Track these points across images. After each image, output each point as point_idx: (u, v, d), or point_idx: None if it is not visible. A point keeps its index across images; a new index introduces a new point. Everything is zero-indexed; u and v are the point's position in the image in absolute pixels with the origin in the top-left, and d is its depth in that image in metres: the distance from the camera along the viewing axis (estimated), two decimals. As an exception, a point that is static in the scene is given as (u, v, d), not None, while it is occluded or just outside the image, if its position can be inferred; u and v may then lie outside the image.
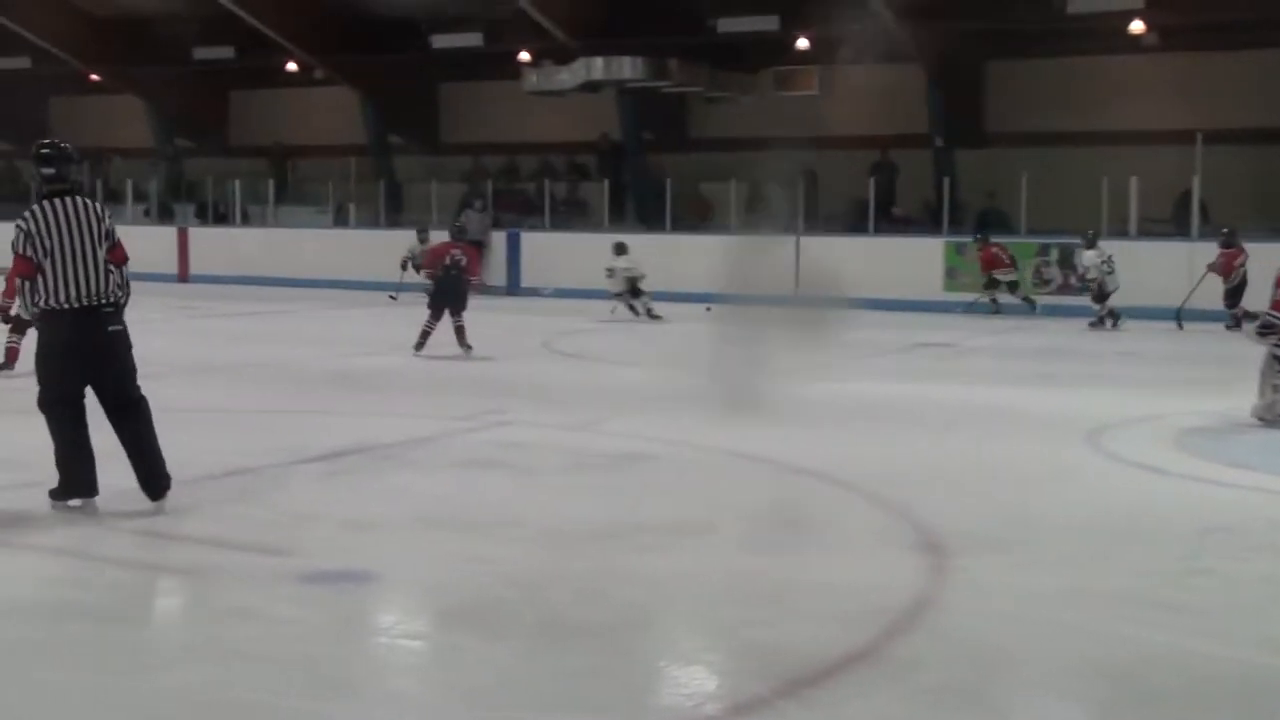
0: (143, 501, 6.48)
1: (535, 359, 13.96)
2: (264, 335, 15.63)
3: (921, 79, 22.97)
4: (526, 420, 9.54)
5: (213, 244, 26.30)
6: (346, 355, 13.88)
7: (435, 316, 13.56)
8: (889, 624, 4.93)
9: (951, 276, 20.48)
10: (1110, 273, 17.57)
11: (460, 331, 13.56)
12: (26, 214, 6.46)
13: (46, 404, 6.50)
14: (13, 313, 10.97)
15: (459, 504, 6.95)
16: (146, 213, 28.67)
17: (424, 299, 14.25)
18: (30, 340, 8.05)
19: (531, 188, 26.20)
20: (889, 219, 22.22)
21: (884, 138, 23.45)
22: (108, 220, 6.59)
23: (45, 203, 6.47)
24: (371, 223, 25.93)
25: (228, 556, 5.82)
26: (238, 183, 27.30)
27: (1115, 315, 17.37)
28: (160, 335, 15.28)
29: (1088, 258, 17.74)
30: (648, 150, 25.92)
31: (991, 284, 19.24)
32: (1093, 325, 17.41)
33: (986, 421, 9.87)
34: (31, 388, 6.58)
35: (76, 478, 6.47)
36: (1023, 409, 10.35)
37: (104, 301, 6.47)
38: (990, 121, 23.77)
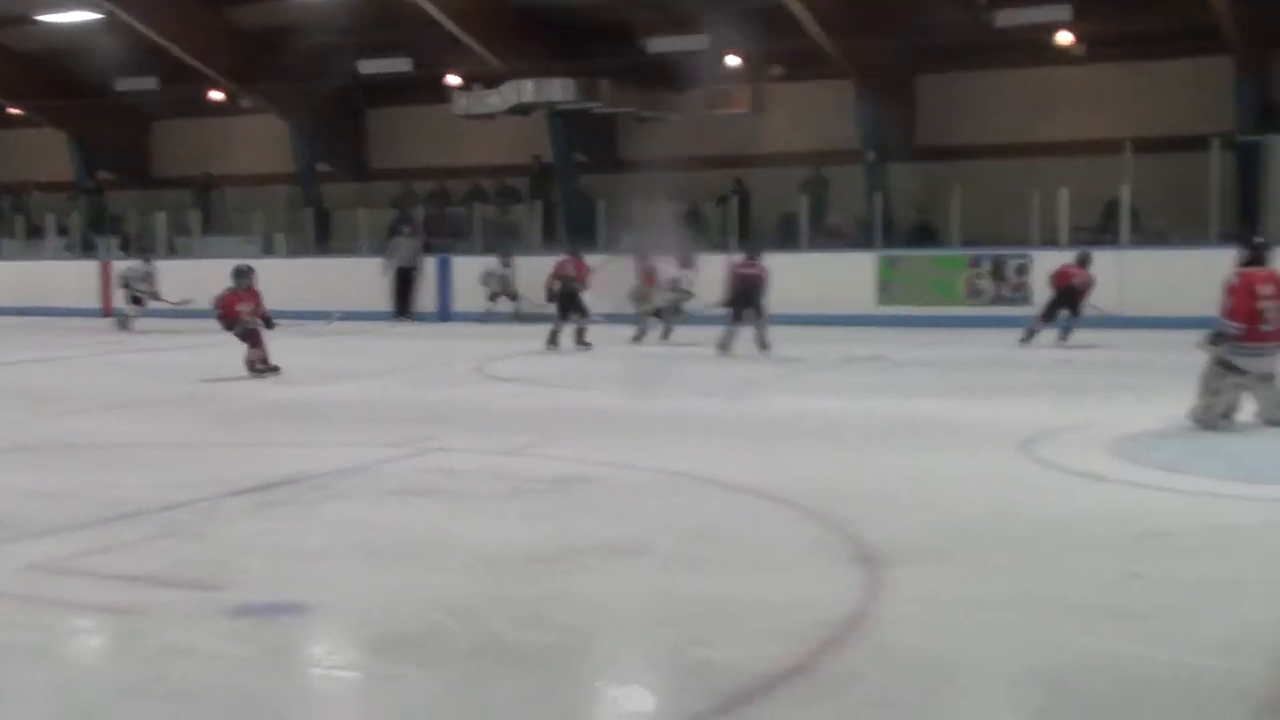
0: (72, 541, 6.42)
1: (469, 384, 13.95)
2: (190, 368, 15.51)
3: (852, 94, 23.20)
4: (461, 446, 9.53)
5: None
6: (277, 385, 13.81)
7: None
8: (826, 639, 4.97)
9: (885, 290, 20.67)
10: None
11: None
12: None
13: None
14: None
15: (393, 532, 6.92)
16: (68, 247, 28.43)
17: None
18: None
19: (462, 211, 26.21)
20: (824, 231, 22.40)
21: (815, 153, 23.68)
22: None
23: None
24: (300, 251, 25.84)
25: (161, 593, 5.77)
26: (163, 215, 27.11)
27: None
28: (85, 370, 15.17)
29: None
30: (579, 171, 26.00)
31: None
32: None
33: (921, 433, 9.96)
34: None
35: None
36: (957, 420, 10.46)
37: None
38: (921, 135, 24.05)
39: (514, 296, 22.60)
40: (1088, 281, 17.07)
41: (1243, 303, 9.75)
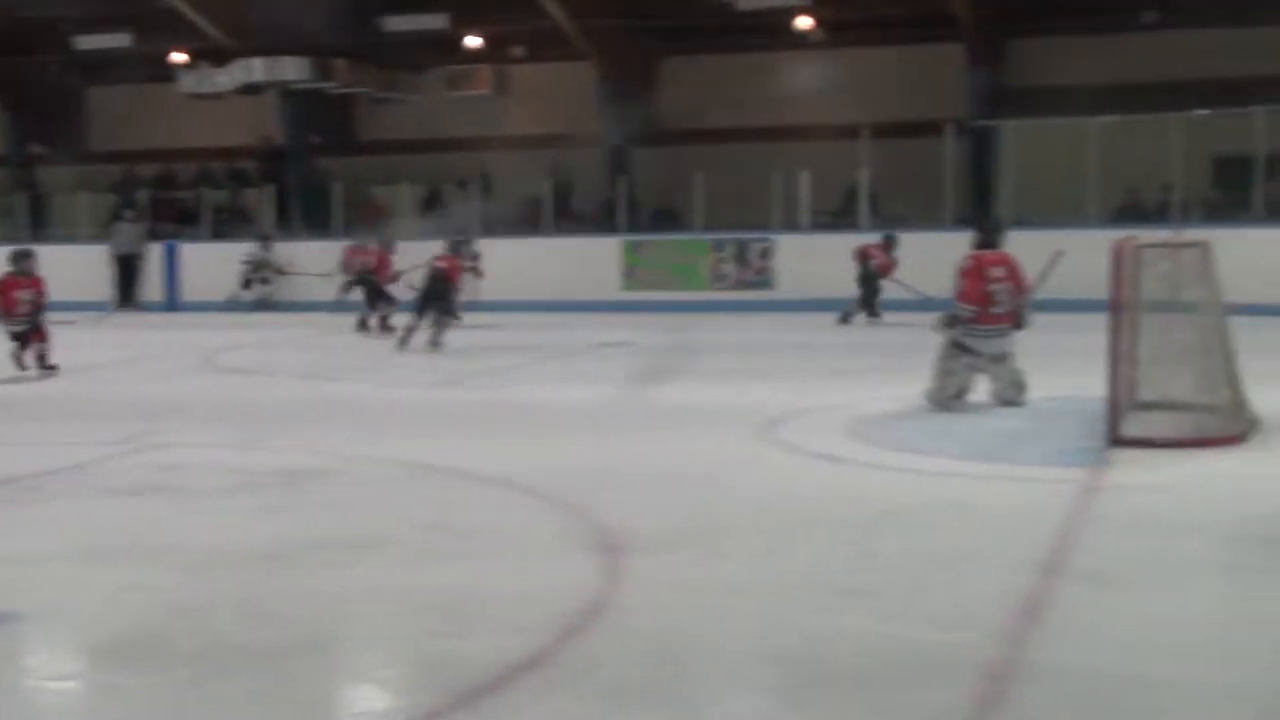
0: None
1: (197, 376, 13.63)
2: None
3: (594, 77, 23.36)
4: (186, 441, 9.30)
5: None
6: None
7: None
8: (566, 627, 5.02)
9: (629, 276, 20.90)
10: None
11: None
12: None
13: None
14: None
15: (113, 533, 6.72)
16: None
17: None
18: None
19: (189, 196, 25.49)
20: (568, 218, 22.51)
21: (559, 137, 23.77)
22: None
23: None
24: (13, 238, 24.75)
25: None
26: None
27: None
28: None
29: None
30: (314, 154, 25.58)
31: None
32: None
33: (665, 419, 10.13)
34: None
35: None
36: (701, 405, 10.66)
37: None
38: (665, 119, 24.36)
39: (266, 281, 22.11)
40: (886, 265, 17.56)
41: (974, 285, 10.13)
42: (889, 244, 17.73)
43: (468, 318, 16.41)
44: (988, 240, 10.51)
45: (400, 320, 16.00)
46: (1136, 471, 7.75)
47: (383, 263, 17.68)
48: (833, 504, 7.13)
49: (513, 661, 4.67)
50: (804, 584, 5.64)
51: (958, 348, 10.12)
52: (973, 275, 10.17)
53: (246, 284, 22.29)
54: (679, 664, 4.73)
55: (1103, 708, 4.30)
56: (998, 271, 10.22)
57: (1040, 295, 10.41)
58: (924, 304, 15.27)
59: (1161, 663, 4.62)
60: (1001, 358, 10.23)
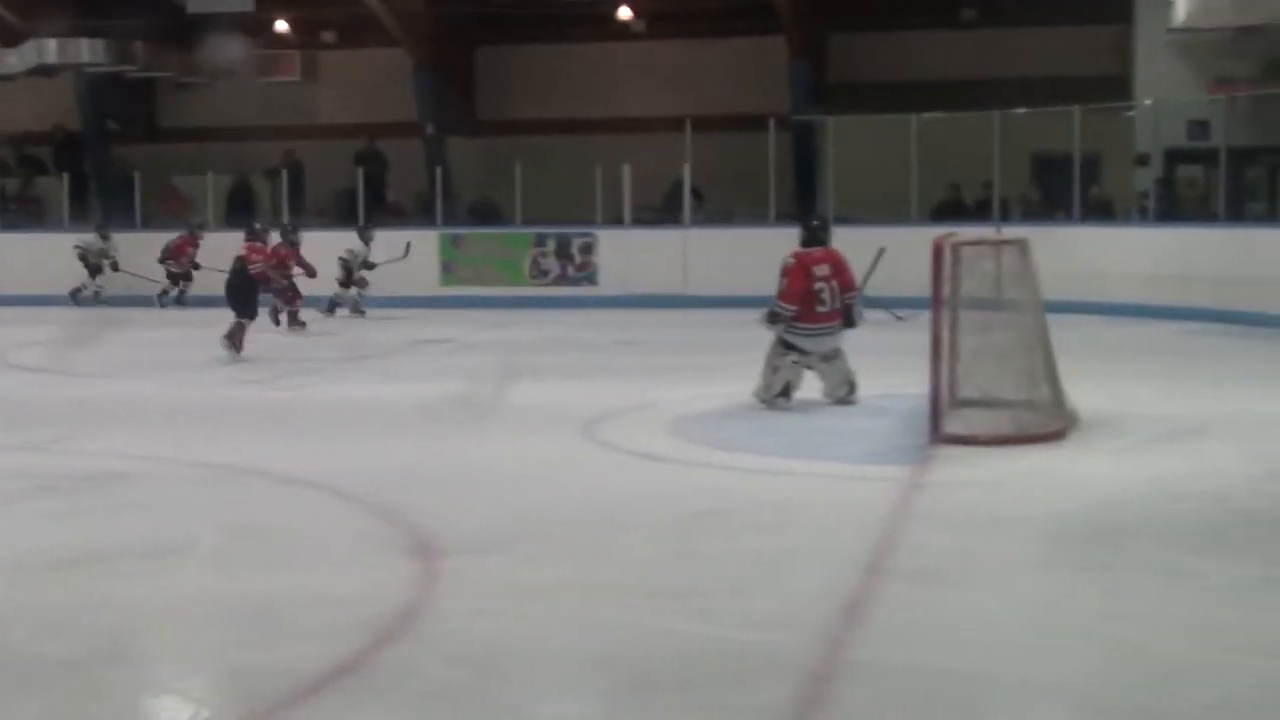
0: None
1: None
2: None
3: (409, 65, 23.18)
4: (-23, 443, 9.05)
5: None
6: None
7: None
8: (379, 633, 5.01)
9: (448, 271, 20.80)
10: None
11: None
12: None
13: None
14: None
15: (-105, 543, 6.51)
16: None
17: None
18: None
19: (-21, 185, 24.71)
20: (382, 209, 22.28)
21: (372, 126, 23.53)
22: None
23: None
24: None
25: None
26: None
27: None
28: None
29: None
30: (113, 140, 24.96)
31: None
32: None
33: (486, 418, 10.10)
34: None
35: None
36: (521, 403, 10.63)
37: None
38: (483, 109, 24.28)
39: (96, 272, 21.28)
40: None
41: (796, 284, 10.23)
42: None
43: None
44: (813, 238, 10.61)
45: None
46: (958, 469, 7.98)
47: (280, 259, 16.71)
48: (654, 503, 7.21)
49: (323, 670, 4.65)
50: (624, 586, 5.70)
51: (786, 346, 10.23)
52: (795, 274, 10.26)
53: (93, 274, 21.34)
54: (496, 670, 4.75)
55: (922, 704, 4.43)
56: (823, 270, 10.33)
57: (868, 293, 10.60)
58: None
59: (980, 659, 4.77)
60: (832, 356, 10.35)
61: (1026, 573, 5.95)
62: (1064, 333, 9.76)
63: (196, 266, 19.99)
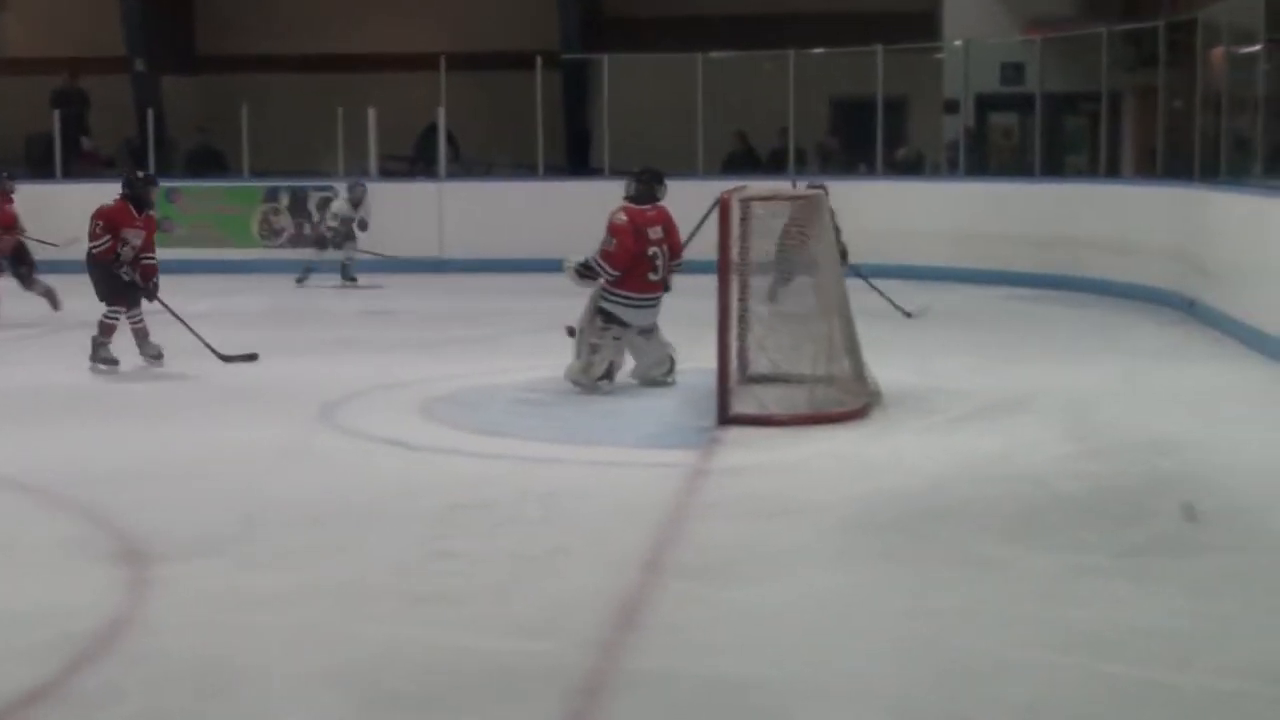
0: None
1: None
2: None
3: (116, -9, 22.65)
4: None
5: None
6: None
7: None
8: (79, 652, 4.90)
9: (162, 230, 20.31)
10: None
11: None
12: None
13: None
14: None
15: None
16: None
17: None
18: None
19: None
20: (81, 156, 21.68)
21: (71, 60, 22.89)
22: None
23: None
24: None
25: None
26: None
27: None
28: None
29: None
30: None
31: None
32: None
33: (203, 402, 9.97)
34: None
35: None
36: (245, 384, 10.51)
37: None
38: (203, 43, 23.84)
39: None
40: None
41: (627, 246, 9.82)
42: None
43: None
44: (645, 193, 10.14)
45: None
46: (748, 452, 8.11)
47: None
48: (403, 497, 7.18)
49: (13, 695, 4.54)
50: (368, 591, 5.66)
51: (605, 319, 9.86)
52: (626, 234, 9.82)
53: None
54: (219, 691, 4.67)
55: (703, 717, 4.48)
56: (656, 232, 9.96)
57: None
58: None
59: (770, 663, 4.84)
60: (650, 331, 10.08)
61: (823, 566, 6.06)
62: (866, 299, 9.96)
63: None
